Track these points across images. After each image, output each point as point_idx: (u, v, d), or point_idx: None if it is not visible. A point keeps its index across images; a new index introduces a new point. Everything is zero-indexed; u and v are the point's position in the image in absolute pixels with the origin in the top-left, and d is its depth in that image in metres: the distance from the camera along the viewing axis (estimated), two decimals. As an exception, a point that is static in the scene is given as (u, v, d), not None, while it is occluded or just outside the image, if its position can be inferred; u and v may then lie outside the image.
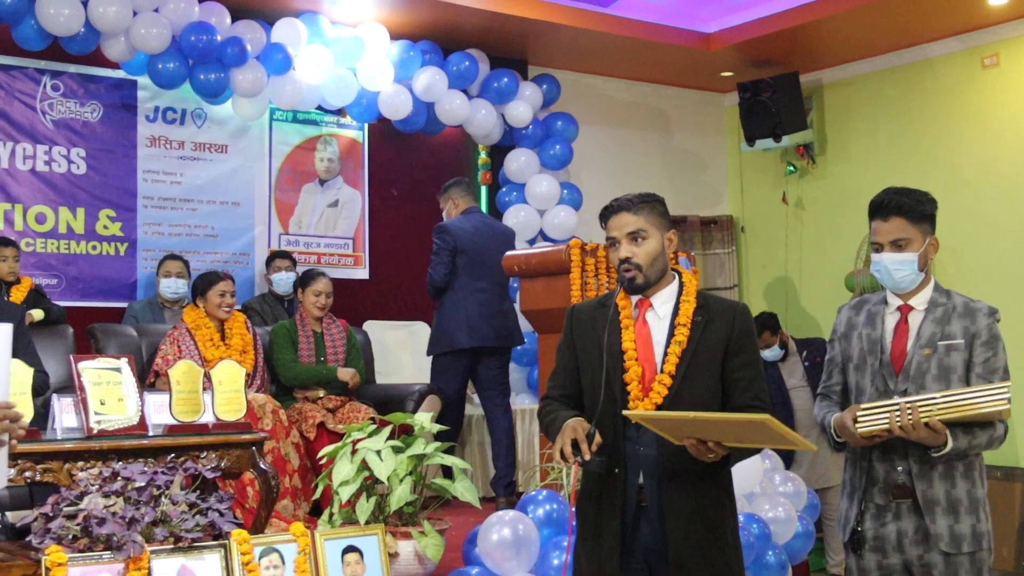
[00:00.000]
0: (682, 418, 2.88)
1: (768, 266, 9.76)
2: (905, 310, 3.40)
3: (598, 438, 2.95)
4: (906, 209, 3.34)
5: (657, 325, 3.15)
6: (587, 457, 2.91)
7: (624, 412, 3.01)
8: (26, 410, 4.05)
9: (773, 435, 2.84)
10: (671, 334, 3.12)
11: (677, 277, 3.22)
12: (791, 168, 9.39)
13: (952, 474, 3.30)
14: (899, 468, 3.33)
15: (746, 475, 5.50)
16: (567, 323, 3.31)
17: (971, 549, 3.27)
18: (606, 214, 3.22)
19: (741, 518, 5.13)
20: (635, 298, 3.19)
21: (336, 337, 6.45)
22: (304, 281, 6.52)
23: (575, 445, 2.92)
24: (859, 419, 3.28)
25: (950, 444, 3.19)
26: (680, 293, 3.18)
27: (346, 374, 6.27)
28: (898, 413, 3.18)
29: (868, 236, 8.44)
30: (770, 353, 7.53)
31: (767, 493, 5.68)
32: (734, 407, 3.10)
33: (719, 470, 3.09)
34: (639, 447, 3.05)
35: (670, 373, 3.07)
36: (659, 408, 3.05)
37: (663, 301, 3.17)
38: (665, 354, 3.10)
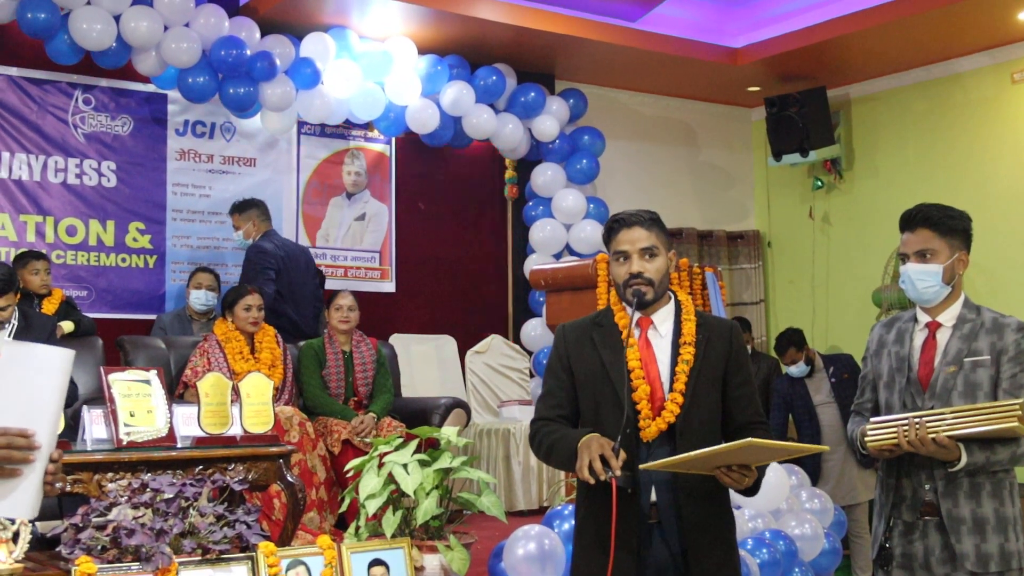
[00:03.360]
0: (688, 459, 2.88)
1: (795, 281, 9.72)
2: (933, 327, 3.38)
3: (623, 454, 2.91)
4: (933, 221, 3.34)
5: (659, 343, 3.15)
6: (617, 472, 2.86)
7: (641, 467, 2.98)
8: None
9: (768, 450, 2.90)
10: (674, 352, 3.11)
11: (673, 296, 3.23)
12: (818, 183, 9.37)
13: (979, 492, 3.26)
14: (926, 486, 3.31)
15: (772, 491, 5.47)
16: (559, 342, 3.27)
17: (999, 569, 3.23)
18: (616, 227, 3.19)
19: (767, 535, 5.12)
20: (635, 316, 3.15)
21: (367, 357, 6.43)
22: (328, 300, 6.55)
23: (603, 460, 2.87)
24: (869, 433, 3.28)
25: (964, 459, 3.17)
26: (679, 312, 3.19)
27: (358, 422, 6.08)
28: (906, 428, 3.17)
29: (895, 252, 8.38)
30: (796, 369, 7.49)
31: (794, 510, 5.65)
32: (737, 424, 3.13)
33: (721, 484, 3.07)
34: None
35: (681, 391, 3.06)
36: (671, 426, 3.04)
37: (663, 319, 3.17)
38: (673, 372, 3.09)
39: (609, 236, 3.22)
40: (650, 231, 3.15)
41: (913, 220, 3.37)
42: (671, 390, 3.07)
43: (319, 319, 7.06)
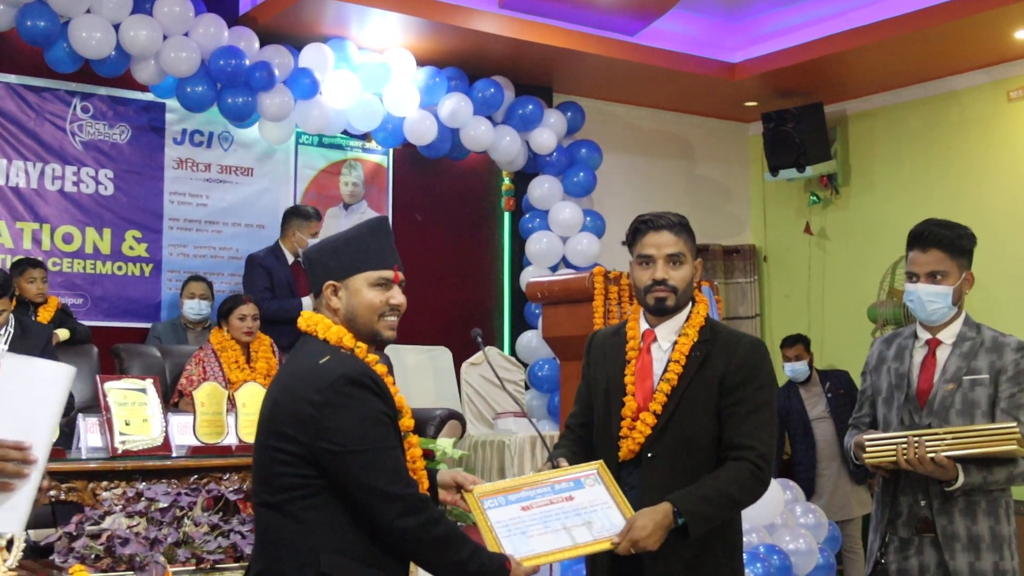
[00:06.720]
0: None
1: (791, 296, 9.73)
2: (933, 344, 3.38)
3: (563, 462, 2.91)
4: (945, 242, 3.32)
5: (660, 358, 3.01)
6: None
7: (473, 487, 2.81)
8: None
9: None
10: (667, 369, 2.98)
11: (689, 307, 3.05)
12: (814, 198, 9.39)
13: (974, 510, 3.27)
14: (922, 502, 3.31)
15: (767, 506, 5.47)
16: (586, 350, 3.21)
17: (993, 587, 3.24)
18: (643, 228, 3.01)
19: (762, 549, 5.11)
20: (643, 328, 3.05)
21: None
22: None
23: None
24: (867, 449, 3.27)
25: (961, 479, 3.18)
26: (685, 325, 3.01)
27: None
28: (905, 446, 3.17)
29: (891, 268, 8.39)
30: (799, 366, 7.49)
31: (788, 525, 5.65)
32: (723, 445, 2.91)
33: None
34: (632, 488, 2.90)
35: (655, 412, 2.93)
36: (642, 447, 2.92)
37: (668, 333, 3.02)
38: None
39: (634, 238, 3.05)
40: (679, 236, 2.99)
41: (925, 239, 3.34)
42: (647, 409, 2.95)
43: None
